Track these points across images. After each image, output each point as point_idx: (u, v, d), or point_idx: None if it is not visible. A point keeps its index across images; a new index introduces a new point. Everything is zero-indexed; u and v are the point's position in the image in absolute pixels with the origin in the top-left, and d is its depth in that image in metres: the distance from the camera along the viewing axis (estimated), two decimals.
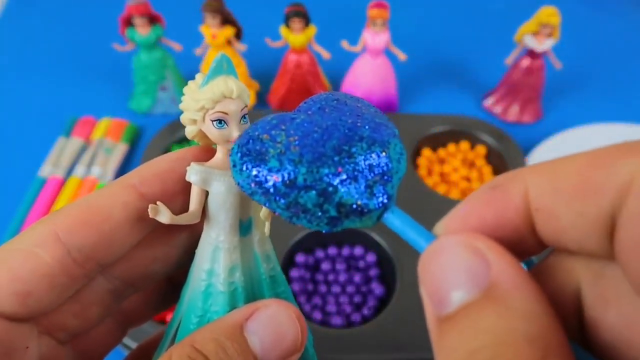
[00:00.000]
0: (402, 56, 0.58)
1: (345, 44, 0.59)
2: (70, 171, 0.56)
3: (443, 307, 0.13)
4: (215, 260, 0.19)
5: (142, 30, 0.56)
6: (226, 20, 0.56)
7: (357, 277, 0.46)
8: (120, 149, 0.57)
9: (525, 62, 0.60)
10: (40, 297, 0.17)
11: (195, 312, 0.19)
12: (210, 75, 0.18)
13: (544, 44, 0.57)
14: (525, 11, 0.62)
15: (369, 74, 0.59)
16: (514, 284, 0.13)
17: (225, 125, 0.18)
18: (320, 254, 0.47)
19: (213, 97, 0.17)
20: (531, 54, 0.59)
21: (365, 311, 0.44)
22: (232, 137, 0.18)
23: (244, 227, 0.19)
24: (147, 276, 0.20)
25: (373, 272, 0.46)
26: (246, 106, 0.18)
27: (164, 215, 0.18)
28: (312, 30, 0.57)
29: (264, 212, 0.19)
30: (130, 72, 0.61)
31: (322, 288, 0.45)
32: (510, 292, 0.13)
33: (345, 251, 0.47)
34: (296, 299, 0.44)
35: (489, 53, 0.72)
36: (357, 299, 0.45)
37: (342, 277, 0.46)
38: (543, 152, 0.56)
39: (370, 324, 0.41)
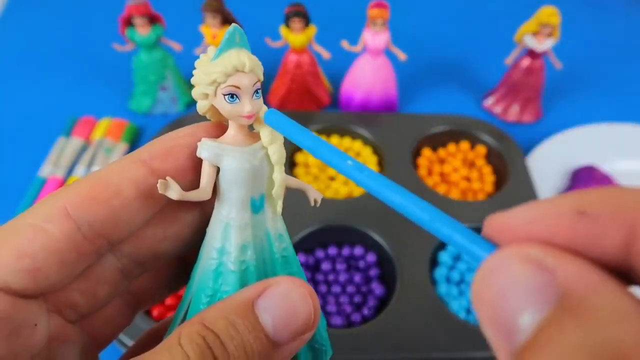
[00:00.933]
0: (402, 56, 0.58)
1: (345, 44, 0.58)
2: (70, 171, 0.56)
3: (515, 336, 0.11)
4: (226, 239, 0.18)
5: (142, 30, 0.56)
6: (226, 20, 0.56)
7: (357, 277, 0.46)
8: (120, 149, 0.57)
9: (525, 62, 0.60)
10: (49, 273, 0.17)
11: (205, 291, 0.19)
12: (222, 48, 0.17)
13: (544, 44, 0.57)
14: (525, 11, 0.62)
15: (369, 74, 0.59)
16: (589, 285, 0.11)
17: (238, 100, 0.17)
18: (320, 254, 0.47)
19: (225, 71, 0.17)
20: (531, 54, 0.59)
21: (365, 311, 0.44)
22: (244, 112, 0.17)
23: (256, 204, 0.19)
24: (157, 255, 0.20)
25: (373, 272, 0.46)
26: (259, 81, 0.18)
27: (174, 191, 0.17)
28: (312, 30, 0.57)
29: (276, 190, 0.19)
30: (130, 72, 0.61)
31: (322, 288, 0.45)
32: (589, 295, 0.11)
33: (345, 251, 0.47)
34: None
35: (489, 53, 0.72)
36: (357, 299, 0.45)
37: (342, 277, 0.46)
38: (543, 152, 0.56)
39: (370, 324, 0.41)
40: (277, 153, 0.18)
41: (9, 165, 0.56)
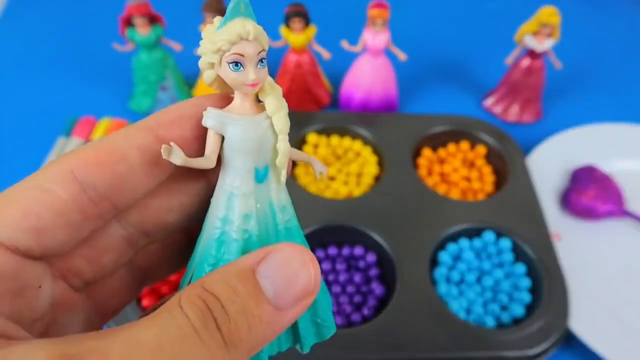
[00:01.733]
0: (402, 56, 0.58)
1: (345, 44, 0.58)
2: None
3: None
4: (229, 207, 0.18)
5: (142, 30, 0.56)
6: None
7: (357, 277, 0.46)
8: None
9: (526, 62, 0.60)
10: (55, 234, 0.17)
11: (208, 260, 0.19)
12: (227, 17, 0.17)
13: (544, 44, 0.57)
14: (525, 11, 0.62)
15: (369, 74, 0.59)
16: None
17: (242, 68, 0.18)
18: (320, 254, 0.47)
19: (229, 39, 0.17)
20: (531, 54, 0.59)
21: (365, 311, 0.44)
22: (249, 80, 0.18)
23: (260, 174, 0.19)
24: (163, 226, 0.20)
25: (373, 272, 0.46)
26: (264, 50, 0.18)
27: (177, 156, 0.17)
28: (312, 30, 0.57)
29: (280, 159, 0.19)
30: (130, 72, 0.61)
31: None
32: None
33: (345, 251, 0.47)
34: None
35: (489, 53, 0.72)
36: (357, 299, 0.45)
37: (342, 277, 0.46)
38: (543, 152, 0.56)
39: (370, 324, 0.41)
40: (281, 122, 0.18)
41: (9, 165, 0.56)
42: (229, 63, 0.17)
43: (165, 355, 0.14)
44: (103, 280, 0.20)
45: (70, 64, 0.69)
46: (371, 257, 0.46)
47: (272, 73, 0.62)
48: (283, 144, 0.18)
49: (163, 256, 0.22)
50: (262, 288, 0.16)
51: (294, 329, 0.20)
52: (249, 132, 0.18)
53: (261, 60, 0.18)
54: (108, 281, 0.20)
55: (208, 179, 0.20)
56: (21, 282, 0.16)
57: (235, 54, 0.17)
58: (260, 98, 0.19)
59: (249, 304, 0.16)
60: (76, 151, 0.18)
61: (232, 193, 0.18)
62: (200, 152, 0.19)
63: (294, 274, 0.17)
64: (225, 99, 0.19)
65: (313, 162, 0.21)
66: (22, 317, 0.16)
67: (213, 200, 0.19)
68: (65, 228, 0.17)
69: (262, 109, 0.19)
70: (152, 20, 0.56)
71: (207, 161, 0.18)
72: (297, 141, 0.55)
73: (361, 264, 0.47)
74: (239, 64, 0.17)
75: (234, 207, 0.18)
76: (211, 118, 0.18)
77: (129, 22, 0.56)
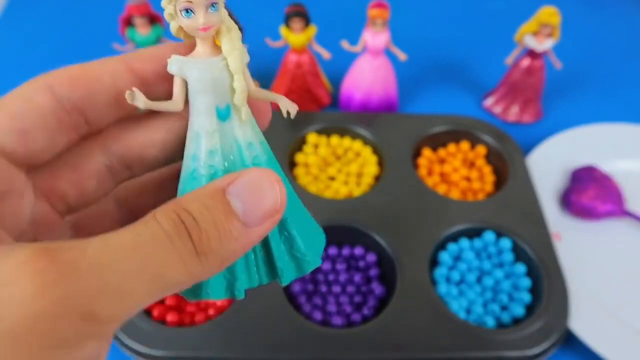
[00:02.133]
0: (402, 56, 0.58)
1: (345, 44, 0.58)
2: None
3: None
4: (197, 146, 0.20)
5: (142, 30, 0.56)
6: None
7: (357, 277, 0.46)
8: None
9: (526, 62, 0.60)
10: (36, 137, 0.18)
11: None
12: None
13: (544, 44, 0.57)
14: (525, 11, 0.62)
15: (369, 74, 0.59)
16: None
17: (193, 14, 0.19)
18: None
19: None
20: (531, 54, 0.59)
21: (366, 311, 0.44)
22: (199, 25, 0.19)
23: (222, 112, 0.20)
24: (144, 160, 0.21)
25: (373, 272, 0.46)
26: None
27: (140, 101, 0.19)
28: (312, 30, 0.57)
29: (237, 97, 0.20)
30: None
31: (323, 288, 0.45)
32: None
33: (346, 251, 0.47)
34: (297, 299, 0.44)
35: (489, 53, 0.72)
36: (357, 299, 0.45)
37: (343, 277, 0.46)
38: (543, 152, 0.56)
39: (371, 324, 0.41)
40: (235, 62, 0.20)
41: None
42: (180, 11, 0.19)
43: (139, 254, 0.15)
44: (91, 216, 0.21)
45: (70, 64, 0.68)
46: (371, 257, 0.46)
47: (272, 73, 0.62)
48: (238, 83, 0.20)
49: (152, 196, 0.23)
50: (232, 206, 0.17)
51: (271, 263, 0.21)
52: (204, 72, 0.19)
53: (212, 5, 0.19)
54: (98, 222, 0.21)
55: (187, 119, 0.21)
56: (4, 185, 0.17)
57: (185, 1, 0.19)
58: (218, 41, 0.20)
59: (219, 219, 0.17)
60: (54, 70, 0.19)
61: (198, 132, 0.20)
62: (171, 95, 0.20)
63: (261, 193, 0.18)
64: (192, 48, 0.21)
65: (279, 100, 0.22)
66: (5, 223, 0.17)
67: (186, 140, 0.21)
68: (44, 131, 0.18)
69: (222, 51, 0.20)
70: (152, 20, 0.56)
71: (174, 104, 0.20)
72: (298, 141, 0.55)
73: (361, 264, 0.47)
74: (189, 11, 0.19)
75: (200, 145, 0.20)
76: (174, 64, 0.20)
77: (129, 22, 0.56)
